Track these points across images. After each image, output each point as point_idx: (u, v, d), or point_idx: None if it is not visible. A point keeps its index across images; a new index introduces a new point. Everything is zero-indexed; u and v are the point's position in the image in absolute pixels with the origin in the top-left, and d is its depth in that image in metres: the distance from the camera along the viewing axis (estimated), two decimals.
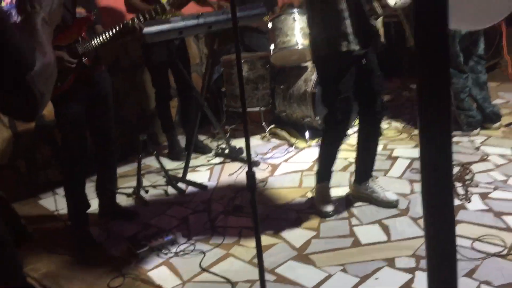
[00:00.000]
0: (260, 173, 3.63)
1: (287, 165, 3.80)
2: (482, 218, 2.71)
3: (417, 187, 3.14)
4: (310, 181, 3.22)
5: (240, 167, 3.80)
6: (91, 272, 2.67)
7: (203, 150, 4.20)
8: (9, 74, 1.09)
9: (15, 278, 1.31)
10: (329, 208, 2.96)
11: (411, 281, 2.28)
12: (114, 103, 3.08)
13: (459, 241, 2.48)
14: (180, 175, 3.68)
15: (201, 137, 4.42)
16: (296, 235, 2.79)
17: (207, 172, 3.84)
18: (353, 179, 3.14)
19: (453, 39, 3.65)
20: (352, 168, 3.22)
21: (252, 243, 2.64)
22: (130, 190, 3.55)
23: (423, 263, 2.35)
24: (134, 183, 3.54)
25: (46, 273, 2.71)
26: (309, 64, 4.20)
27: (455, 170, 3.23)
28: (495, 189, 3.00)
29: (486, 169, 3.27)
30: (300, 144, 4.12)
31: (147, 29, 3.05)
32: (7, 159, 3.65)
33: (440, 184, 0.70)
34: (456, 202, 2.86)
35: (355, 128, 3.27)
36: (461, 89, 3.76)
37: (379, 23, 2.74)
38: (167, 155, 4.21)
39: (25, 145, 3.74)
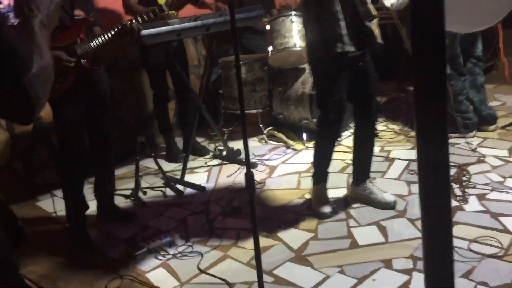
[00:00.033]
0: (257, 175, 3.64)
1: (284, 166, 3.80)
2: (479, 219, 2.72)
3: (415, 188, 3.15)
4: (308, 183, 3.23)
5: (238, 169, 3.80)
6: (89, 274, 2.66)
7: (201, 152, 4.20)
8: (6, 76, 1.09)
9: (12, 279, 1.31)
10: (327, 209, 2.96)
11: (408, 282, 2.29)
12: (112, 105, 3.09)
13: (456, 242, 2.49)
14: (178, 177, 3.68)
15: (199, 139, 4.42)
16: (294, 237, 2.79)
17: (205, 173, 3.84)
18: (350, 180, 3.16)
19: (453, 40, 3.67)
20: (350, 169, 3.23)
21: (250, 244, 2.65)
22: (128, 192, 3.55)
23: (420, 264, 2.36)
24: (132, 184, 3.54)
25: (44, 275, 2.70)
26: (306, 66, 4.21)
27: (452, 171, 3.24)
28: (492, 190, 3.01)
29: (483, 170, 3.28)
30: (298, 146, 4.13)
31: (145, 31, 3.05)
32: (4, 161, 3.65)
33: (437, 186, 0.71)
34: (453, 203, 2.87)
35: (352, 130, 3.28)
36: (459, 91, 3.78)
37: (374, 24, 2.75)
38: (164, 157, 4.21)
39: (23, 147, 3.74)
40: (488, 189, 3.03)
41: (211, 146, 4.34)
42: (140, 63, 4.15)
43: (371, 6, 2.77)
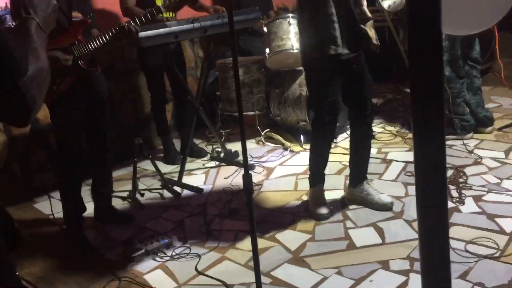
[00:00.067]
0: (255, 176, 3.63)
1: (282, 168, 3.81)
2: (475, 221, 2.73)
3: (412, 190, 3.16)
4: (305, 184, 3.24)
5: (236, 171, 3.80)
6: (87, 276, 2.66)
7: (199, 153, 4.20)
8: (1, 79, 1.09)
9: (8, 281, 1.31)
10: (324, 210, 2.97)
11: (405, 283, 2.30)
12: (109, 107, 3.09)
13: (452, 243, 2.50)
14: (176, 179, 3.68)
15: (196, 141, 4.42)
16: (292, 238, 2.80)
17: (203, 175, 3.85)
18: (347, 182, 3.16)
19: (453, 43, 3.68)
20: (347, 171, 3.24)
21: (247, 246, 2.66)
22: (125, 194, 3.55)
23: (417, 265, 2.37)
24: (129, 186, 3.54)
25: (42, 277, 2.70)
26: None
27: (449, 173, 3.26)
28: (488, 191, 3.03)
29: (480, 172, 3.30)
30: (295, 147, 4.13)
31: (143, 33, 3.05)
32: (2, 162, 3.64)
33: (434, 187, 0.71)
34: (450, 204, 2.88)
35: (349, 132, 3.29)
36: (457, 94, 3.79)
37: (369, 26, 2.77)
38: (162, 158, 4.21)
39: (20, 148, 3.73)
40: (484, 191, 3.04)
41: (209, 148, 4.35)
42: (137, 65, 4.15)
43: (365, 9, 2.78)
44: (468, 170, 3.31)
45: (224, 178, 3.72)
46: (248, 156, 3.92)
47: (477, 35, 3.72)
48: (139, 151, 3.46)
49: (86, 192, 3.19)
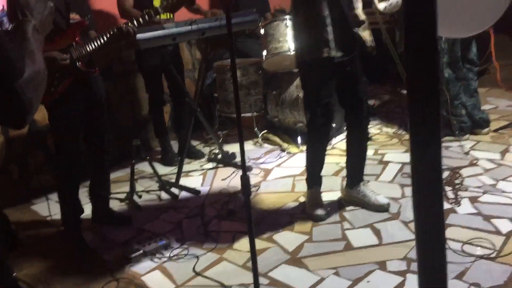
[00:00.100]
0: (252, 178, 3.64)
1: (279, 170, 3.82)
2: (471, 222, 2.75)
3: (408, 191, 3.18)
4: (303, 186, 3.25)
5: (233, 172, 3.81)
6: (85, 277, 2.66)
7: (196, 155, 4.21)
8: None
9: (6, 282, 1.32)
10: (321, 211, 2.98)
11: (402, 283, 2.31)
12: (107, 108, 3.09)
13: (449, 244, 2.52)
14: (173, 180, 3.68)
15: (194, 142, 4.42)
16: (289, 239, 2.81)
17: (200, 177, 3.85)
18: (344, 183, 3.18)
19: (453, 45, 3.70)
20: (344, 172, 3.25)
21: (245, 247, 2.66)
22: (123, 195, 3.55)
23: (414, 266, 2.38)
24: (127, 188, 3.54)
25: (39, 278, 2.70)
26: None
27: (445, 174, 3.27)
28: (484, 193, 3.04)
29: (476, 173, 3.31)
30: (292, 149, 4.14)
31: (140, 35, 3.06)
32: None
33: (430, 188, 0.72)
34: (446, 205, 2.89)
35: (345, 133, 3.30)
36: (455, 96, 3.81)
37: (363, 29, 2.78)
38: (160, 160, 4.21)
39: (18, 150, 3.73)
40: (480, 192, 3.06)
41: (206, 150, 4.35)
42: (135, 66, 4.16)
43: (359, 12, 2.80)
44: (464, 172, 3.32)
45: (222, 180, 3.73)
46: (246, 157, 3.95)
47: (474, 37, 3.74)
48: (136, 153, 3.46)
49: (83, 194, 3.19)
